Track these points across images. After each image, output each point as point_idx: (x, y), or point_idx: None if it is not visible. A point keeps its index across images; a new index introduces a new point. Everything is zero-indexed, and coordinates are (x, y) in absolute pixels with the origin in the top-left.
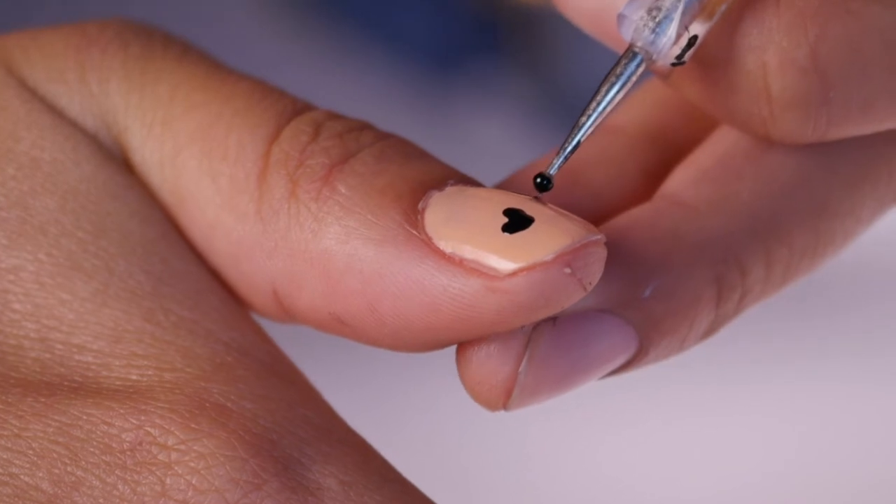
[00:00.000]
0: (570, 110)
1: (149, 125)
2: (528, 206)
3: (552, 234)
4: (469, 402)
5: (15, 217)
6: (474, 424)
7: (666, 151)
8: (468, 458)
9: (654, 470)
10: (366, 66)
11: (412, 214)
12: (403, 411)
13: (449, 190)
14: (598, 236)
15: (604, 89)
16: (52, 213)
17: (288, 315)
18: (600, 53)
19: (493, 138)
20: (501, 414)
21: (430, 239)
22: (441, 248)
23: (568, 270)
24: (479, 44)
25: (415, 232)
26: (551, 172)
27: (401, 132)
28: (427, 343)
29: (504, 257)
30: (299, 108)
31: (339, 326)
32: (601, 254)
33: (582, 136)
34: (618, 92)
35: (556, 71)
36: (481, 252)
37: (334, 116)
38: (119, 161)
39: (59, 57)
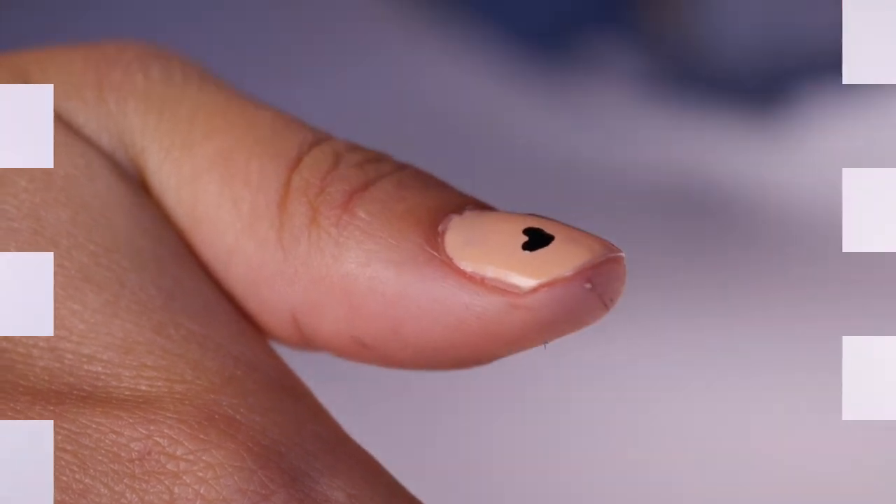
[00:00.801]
0: (708, 86)
1: (167, 148)
2: (547, 226)
3: (572, 250)
4: (475, 420)
5: (27, 228)
6: (481, 441)
7: None
8: (475, 475)
9: (656, 472)
10: (473, 46)
11: (432, 237)
12: (409, 430)
13: (468, 214)
14: (619, 254)
15: None
16: (64, 226)
17: (306, 342)
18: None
19: (611, 118)
20: (507, 429)
21: (450, 260)
22: (462, 268)
23: (589, 286)
24: (594, 16)
25: (435, 253)
26: None
27: (511, 116)
28: (450, 362)
29: (525, 274)
30: (319, 139)
31: (362, 350)
32: (622, 271)
33: None
34: None
35: (688, 44)
36: (503, 271)
37: (353, 147)
38: (134, 180)
39: (77, 74)
